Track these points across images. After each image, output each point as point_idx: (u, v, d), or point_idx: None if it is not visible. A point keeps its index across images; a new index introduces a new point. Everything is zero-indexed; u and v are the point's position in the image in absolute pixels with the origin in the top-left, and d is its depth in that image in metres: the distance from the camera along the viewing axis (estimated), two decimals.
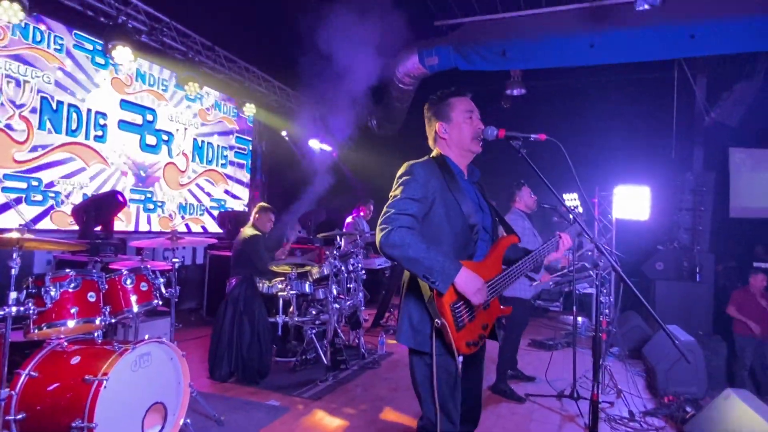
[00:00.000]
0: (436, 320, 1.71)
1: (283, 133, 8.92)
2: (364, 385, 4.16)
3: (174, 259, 3.31)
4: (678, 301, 6.43)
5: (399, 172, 1.92)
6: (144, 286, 3.00)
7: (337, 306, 4.51)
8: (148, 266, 3.13)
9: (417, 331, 1.82)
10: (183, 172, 7.41)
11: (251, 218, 4.90)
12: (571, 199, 7.17)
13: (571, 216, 2.10)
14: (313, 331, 4.51)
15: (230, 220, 7.17)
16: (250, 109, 7.99)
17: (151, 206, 6.75)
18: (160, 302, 3.16)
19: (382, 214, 1.81)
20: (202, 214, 7.56)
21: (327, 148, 8.73)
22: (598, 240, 1.99)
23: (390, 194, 1.88)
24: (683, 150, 8.11)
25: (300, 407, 3.61)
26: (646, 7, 5.05)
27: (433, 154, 2.04)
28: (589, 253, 7.86)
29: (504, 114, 8.74)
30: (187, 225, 7.34)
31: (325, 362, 4.30)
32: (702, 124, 7.81)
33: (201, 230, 7.52)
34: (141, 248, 5.68)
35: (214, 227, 7.77)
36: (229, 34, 7.15)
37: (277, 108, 8.69)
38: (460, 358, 1.74)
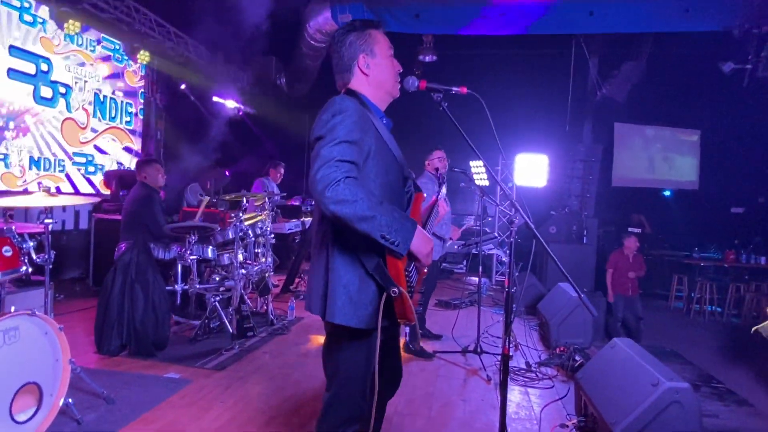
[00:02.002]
0: (393, 289, 1.45)
1: (182, 86, 8.14)
2: (272, 352, 4.02)
3: (47, 220, 2.85)
4: (567, 262, 6.98)
5: (326, 109, 1.56)
6: (7, 251, 2.56)
7: (243, 272, 4.27)
8: (13, 228, 2.67)
9: (357, 305, 1.53)
10: (83, 128, 6.58)
11: (138, 177, 4.41)
12: (476, 166, 7.43)
13: (482, 181, 2.11)
14: (217, 298, 4.23)
15: (115, 180, 6.44)
16: (144, 57, 7.16)
17: None
18: (30, 269, 2.72)
19: (319, 161, 1.45)
20: (62, 171, 6.28)
21: (232, 104, 8.13)
22: (511, 196, 2.00)
23: (316, 135, 1.53)
24: (576, 123, 8.75)
25: (203, 378, 3.39)
26: None
27: (344, 92, 1.71)
28: (489, 219, 8.28)
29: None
30: (39, 184, 5.96)
31: (230, 330, 4.08)
32: (593, 100, 8.44)
33: (55, 191, 6.30)
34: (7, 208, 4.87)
35: (79, 188, 6.61)
36: None
37: (174, 57, 7.86)
38: (407, 329, 1.56)
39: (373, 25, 1.73)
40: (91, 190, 6.66)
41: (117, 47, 6.95)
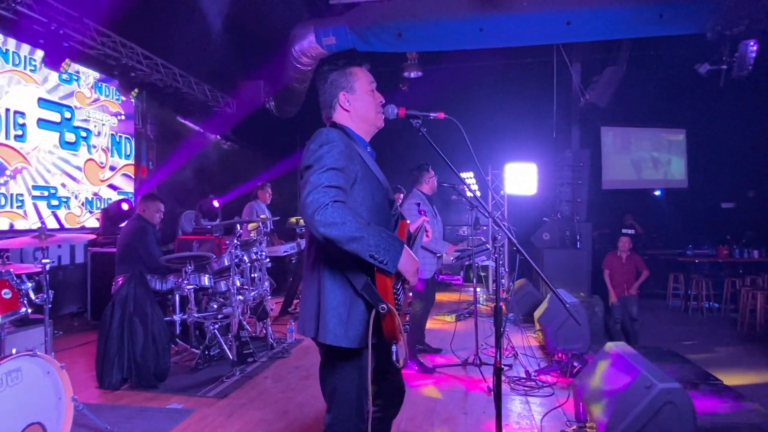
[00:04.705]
0: (381, 306, 1.52)
1: (178, 118, 8.27)
2: (273, 377, 4.04)
3: (45, 260, 2.90)
4: (563, 267, 7.07)
5: (313, 140, 1.67)
6: (7, 293, 2.60)
7: (240, 298, 4.31)
8: (11, 270, 2.71)
9: (348, 325, 1.60)
10: (102, 167, 7.05)
11: (137, 209, 4.48)
12: (467, 178, 7.53)
13: (469, 193, 2.17)
14: (216, 326, 4.26)
15: (101, 213, 6.50)
16: (134, 92, 7.30)
17: None
18: (30, 310, 2.76)
19: (308, 187, 1.54)
20: (20, 206, 5.82)
21: (222, 130, 8.24)
22: (493, 214, 2.07)
23: (305, 164, 1.63)
24: (563, 129, 8.88)
25: (205, 407, 3.41)
26: None
27: (330, 125, 1.82)
28: (485, 228, 8.36)
29: (401, 96, 8.88)
30: (43, 223, 5.74)
31: (231, 357, 4.10)
32: (578, 106, 8.58)
33: (8, 227, 5.67)
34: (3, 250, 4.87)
35: (46, 223, 6.09)
36: (99, 4, 6.36)
37: (162, 88, 7.97)
38: (395, 348, 1.63)
39: (354, 62, 1.85)
40: (56, 225, 6.34)
41: (63, 68, 6.39)
